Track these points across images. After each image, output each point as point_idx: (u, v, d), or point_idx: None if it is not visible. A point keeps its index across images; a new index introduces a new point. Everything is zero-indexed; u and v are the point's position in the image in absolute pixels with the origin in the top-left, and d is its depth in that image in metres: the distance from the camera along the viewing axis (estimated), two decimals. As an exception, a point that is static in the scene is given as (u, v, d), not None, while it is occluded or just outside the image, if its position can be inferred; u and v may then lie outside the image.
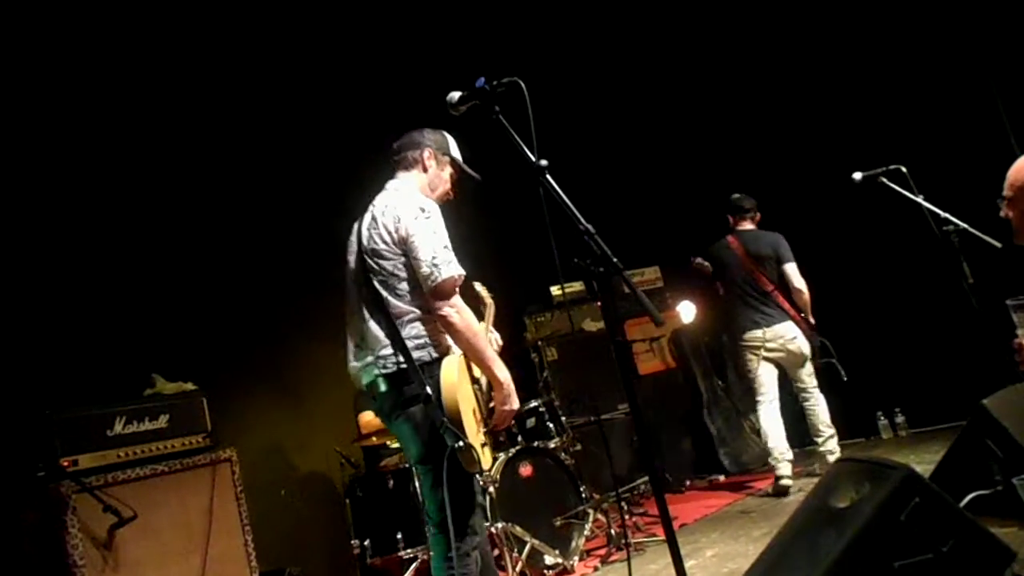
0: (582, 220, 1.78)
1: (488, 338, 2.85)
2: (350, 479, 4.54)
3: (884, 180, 3.98)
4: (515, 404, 2.57)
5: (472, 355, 2.55)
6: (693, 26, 6.54)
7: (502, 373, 2.53)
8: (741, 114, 6.45)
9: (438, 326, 2.53)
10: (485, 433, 2.62)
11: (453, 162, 2.85)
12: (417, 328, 2.51)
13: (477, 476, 2.52)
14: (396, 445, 4.71)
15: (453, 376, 2.45)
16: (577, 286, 6.30)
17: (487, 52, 5.63)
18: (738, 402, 6.59)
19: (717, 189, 5.52)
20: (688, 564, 3.64)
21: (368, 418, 4.82)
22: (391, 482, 4.28)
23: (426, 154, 2.80)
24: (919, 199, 3.79)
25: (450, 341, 2.56)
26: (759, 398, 5.08)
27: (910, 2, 5.37)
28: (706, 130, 6.66)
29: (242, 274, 4.82)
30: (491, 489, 3.92)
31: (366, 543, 4.16)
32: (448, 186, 2.86)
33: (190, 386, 3.78)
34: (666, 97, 6.80)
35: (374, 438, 4.40)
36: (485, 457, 2.51)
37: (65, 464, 3.16)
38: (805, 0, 5.86)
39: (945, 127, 5.22)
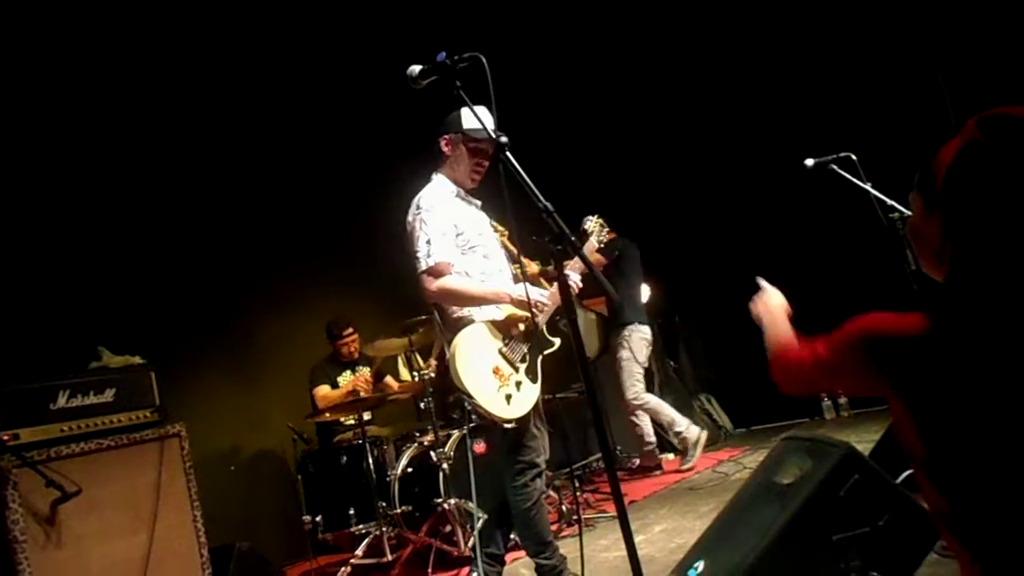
0: (541, 198, 1.78)
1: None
2: (302, 455, 4.52)
3: (834, 167, 4.07)
4: (543, 306, 2.82)
5: (482, 303, 2.79)
6: (648, 19, 6.53)
7: (505, 293, 2.76)
8: (698, 101, 6.51)
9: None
10: (524, 373, 2.81)
11: (465, 137, 2.84)
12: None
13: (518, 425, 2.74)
14: (351, 421, 4.70)
15: (455, 354, 2.70)
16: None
17: (467, 36, 5.55)
18: (689, 383, 6.73)
19: (673, 175, 5.59)
20: (638, 539, 3.67)
21: (323, 392, 4.78)
22: (344, 458, 4.27)
23: (443, 143, 2.89)
24: (867, 186, 3.89)
25: (464, 311, 2.80)
26: (644, 387, 5.44)
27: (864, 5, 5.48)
28: (663, 114, 6.71)
29: (193, 245, 4.73)
30: (444, 466, 3.94)
31: (318, 519, 4.15)
32: (470, 164, 2.87)
33: (138, 359, 3.68)
34: (622, 83, 6.81)
35: (327, 414, 4.38)
36: (509, 406, 2.72)
37: (5, 438, 3.06)
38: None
39: (894, 118, 5.35)
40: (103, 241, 4.29)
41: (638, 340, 5.41)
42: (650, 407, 5.41)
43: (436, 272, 2.77)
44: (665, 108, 6.64)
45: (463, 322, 2.81)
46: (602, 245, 3.45)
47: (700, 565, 2.37)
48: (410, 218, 2.87)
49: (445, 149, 2.90)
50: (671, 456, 6.02)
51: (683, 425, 5.35)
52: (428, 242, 2.77)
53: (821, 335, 1.36)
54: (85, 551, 3.12)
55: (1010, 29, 4.78)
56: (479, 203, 2.99)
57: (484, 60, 1.91)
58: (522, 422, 2.77)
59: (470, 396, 2.67)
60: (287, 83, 5.30)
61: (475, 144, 2.85)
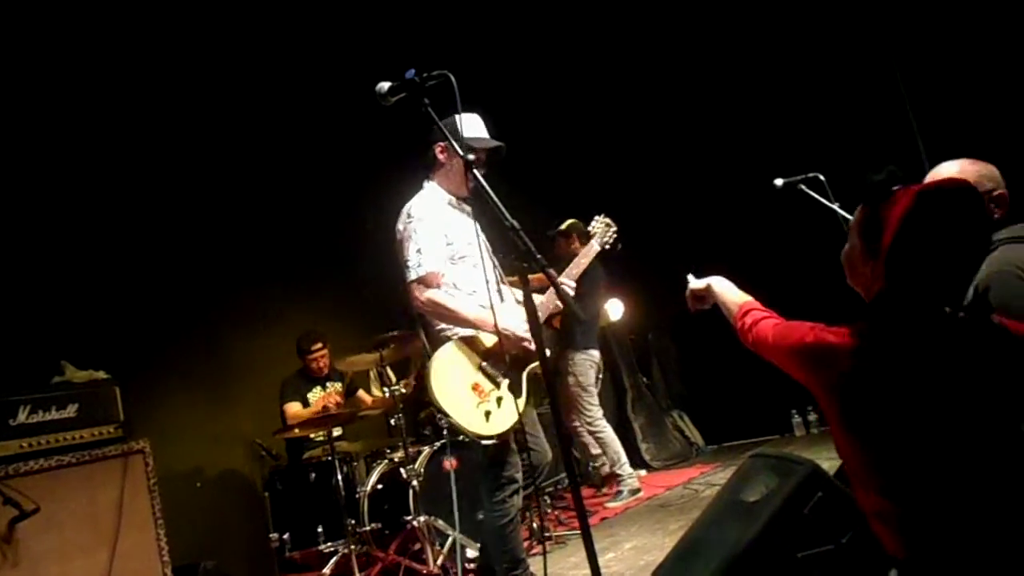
0: (507, 216, 1.79)
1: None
2: (270, 471, 4.46)
3: (803, 187, 4.14)
4: (523, 344, 2.72)
5: (465, 326, 2.77)
6: (622, 37, 6.60)
7: (497, 324, 2.65)
8: (672, 122, 6.58)
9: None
10: (506, 388, 2.77)
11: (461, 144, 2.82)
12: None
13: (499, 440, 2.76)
14: (321, 437, 4.64)
15: (432, 370, 2.71)
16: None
17: (439, 50, 5.57)
18: (661, 399, 6.77)
19: (646, 193, 5.64)
20: (607, 557, 3.71)
21: (294, 409, 4.73)
22: (313, 475, 4.22)
23: (438, 151, 2.86)
24: (835, 206, 3.96)
25: (447, 326, 2.81)
26: (601, 413, 5.27)
27: (832, 28, 5.60)
28: (639, 132, 6.77)
29: (161, 257, 4.66)
30: (415, 483, 3.91)
31: (285, 536, 4.09)
32: (467, 172, 2.80)
33: (102, 374, 3.63)
34: (596, 102, 6.86)
35: (297, 430, 4.33)
36: (487, 423, 2.71)
37: (-38, 455, 3.00)
38: (737, 21, 6.02)
39: (862, 141, 5.46)
40: (67, 252, 4.22)
41: (583, 363, 5.21)
42: (602, 437, 5.22)
43: (426, 282, 2.76)
44: (640, 126, 6.71)
45: (445, 336, 2.81)
46: (607, 247, 3.27)
47: (666, 583, 2.36)
48: (401, 226, 2.86)
49: (440, 157, 2.88)
50: (643, 472, 6.03)
51: (626, 470, 5.18)
52: (419, 251, 2.77)
53: (774, 317, 1.72)
54: (42, 570, 3.05)
55: (976, 53, 4.90)
56: (470, 210, 2.94)
57: (452, 78, 1.92)
58: (503, 437, 2.75)
59: (445, 414, 2.66)
60: (260, 96, 5.27)
61: (475, 153, 2.80)
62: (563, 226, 5.29)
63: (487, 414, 2.72)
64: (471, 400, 2.72)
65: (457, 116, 2.76)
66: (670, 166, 6.46)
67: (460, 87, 1.98)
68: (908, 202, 1.49)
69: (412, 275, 2.76)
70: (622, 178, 6.74)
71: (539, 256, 1.78)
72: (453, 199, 2.93)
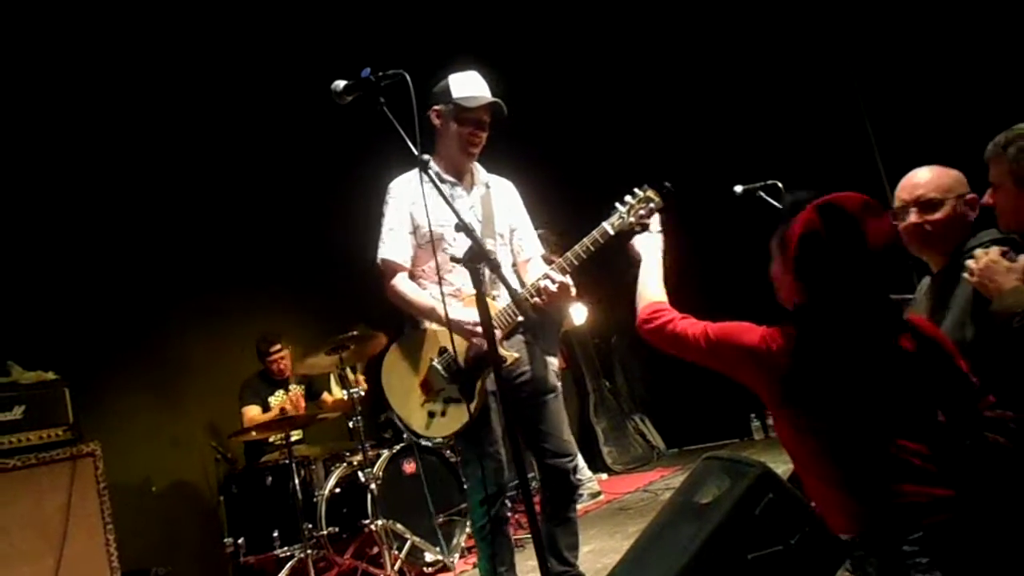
0: (459, 215, 1.78)
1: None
2: (226, 475, 4.39)
3: (761, 194, 4.20)
4: (475, 341, 2.51)
5: (426, 319, 2.63)
6: (584, 42, 6.64)
7: (455, 318, 2.46)
8: (635, 128, 6.62)
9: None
10: (460, 391, 2.56)
11: (457, 106, 2.59)
12: None
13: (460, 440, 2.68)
14: (278, 441, 4.58)
15: (385, 359, 2.64)
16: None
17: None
18: (623, 403, 6.80)
19: (607, 196, 5.63)
20: (565, 560, 3.71)
21: (252, 412, 4.66)
22: (269, 479, 4.17)
23: (433, 116, 2.64)
24: (792, 213, 4.02)
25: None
26: None
27: (792, 39, 5.70)
28: (602, 135, 6.81)
29: (113, 254, 4.56)
30: (373, 486, 3.88)
31: (240, 541, 4.02)
32: (464, 136, 2.62)
33: (51, 375, 3.55)
34: (561, 101, 6.89)
35: (254, 433, 4.26)
36: (429, 424, 2.58)
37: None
38: (695, 31, 6.10)
39: (820, 149, 5.56)
40: (13, 247, 4.10)
41: None
42: None
43: (386, 267, 2.66)
44: (602, 132, 6.75)
45: (414, 324, 2.71)
46: (634, 228, 2.78)
47: (619, 585, 2.37)
48: (384, 198, 2.74)
49: (436, 122, 2.65)
50: (604, 476, 6.06)
51: (585, 474, 5.17)
52: (391, 229, 2.66)
53: (692, 318, 1.89)
54: (-15, 577, 2.97)
55: (932, 65, 5.03)
56: (467, 185, 2.72)
57: (408, 77, 1.91)
58: (471, 439, 2.59)
59: (391, 408, 2.62)
60: (220, 95, 5.19)
61: (467, 114, 2.61)
62: None
63: (431, 414, 2.60)
64: (416, 398, 2.61)
65: (455, 76, 2.62)
66: (633, 172, 6.50)
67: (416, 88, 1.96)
68: (805, 217, 1.66)
69: (377, 256, 2.68)
70: (584, 182, 6.76)
71: (492, 257, 1.78)
72: (442, 173, 2.69)
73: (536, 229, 2.97)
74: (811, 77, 5.64)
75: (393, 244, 2.65)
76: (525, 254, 2.85)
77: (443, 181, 2.69)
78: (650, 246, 2.29)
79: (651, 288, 2.09)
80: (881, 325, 1.69)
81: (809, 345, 1.67)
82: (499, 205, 2.78)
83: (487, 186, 2.79)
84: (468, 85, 2.63)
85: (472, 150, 2.67)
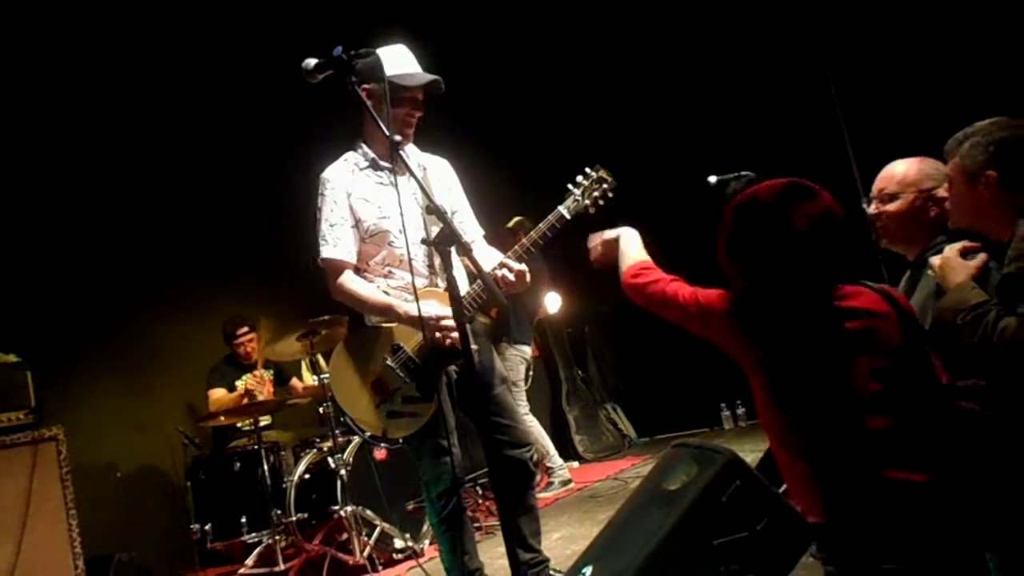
0: (433, 198, 1.76)
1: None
2: (193, 460, 4.34)
3: (735, 185, 4.22)
4: (437, 335, 2.38)
5: (371, 313, 2.54)
6: (561, 33, 6.61)
7: (407, 312, 2.37)
8: (611, 118, 6.62)
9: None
10: (417, 388, 2.46)
11: (392, 85, 2.31)
12: None
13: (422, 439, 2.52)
14: (247, 427, 4.54)
15: (332, 360, 2.54)
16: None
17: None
18: (596, 392, 6.83)
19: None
20: (535, 546, 3.72)
21: (217, 395, 4.60)
22: (238, 464, 4.13)
23: (362, 95, 2.23)
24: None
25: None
26: (528, 408, 5.18)
27: (765, 29, 5.73)
28: (577, 125, 6.79)
29: (77, 239, 4.47)
30: (343, 472, 3.85)
31: (207, 527, 3.98)
32: (400, 117, 2.43)
33: (12, 358, 3.49)
34: (540, 92, 6.87)
35: (222, 418, 4.21)
36: (389, 424, 2.46)
37: None
38: (669, 22, 6.10)
39: (793, 140, 5.61)
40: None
41: (514, 359, 5.15)
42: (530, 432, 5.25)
43: (330, 267, 2.53)
44: (576, 122, 6.73)
45: (363, 321, 2.61)
46: (587, 210, 2.76)
47: (588, 571, 2.38)
48: (319, 192, 2.58)
49: (368, 102, 2.26)
50: (575, 464, 6.09)
51: (556, 462, 5.20)
52: (332, 225, 2.51)
53: (683, 280, 1.96)
54: (-59, 563, 2.90)
55: (905, 57, 5.08)
56: (397, 173, 2.53)
57: (380, 57, 1.88)
58: (425, 434, 2.49)
59: (343, 411, 2.50)
60: (182, 77, 5.08)
61: (403, 93, 2.42)
62: (510, 224, 5.27)
63: (389, 414, 2.47)
64: (370, 398, 2.47)
65: (386, 50, 2.40)
66: (609, 162, 6.50)
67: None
68: (728, 214, 1.76)
69: (320, 255, 2.54)
70: (559, 172, 6.75)
71: (464, 240, 1.76)
72: (375, 161, 2.55)
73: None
74: (783, 66, 5.67)
75: (336, 241, 2.51)
76: (467, 237, 2.69)
77: (379, 168, 2.56)
78: (631, 237, 2.29)
79: (634, 251, 2.15)
80: (817, 301, 1.71)
81: (752, 324, 1.74)
82: (438, 188, 2.64)
83: (423, 167, 2.65)
84: (400, 61, 2.44)
85: (408, 131, 2.50)
